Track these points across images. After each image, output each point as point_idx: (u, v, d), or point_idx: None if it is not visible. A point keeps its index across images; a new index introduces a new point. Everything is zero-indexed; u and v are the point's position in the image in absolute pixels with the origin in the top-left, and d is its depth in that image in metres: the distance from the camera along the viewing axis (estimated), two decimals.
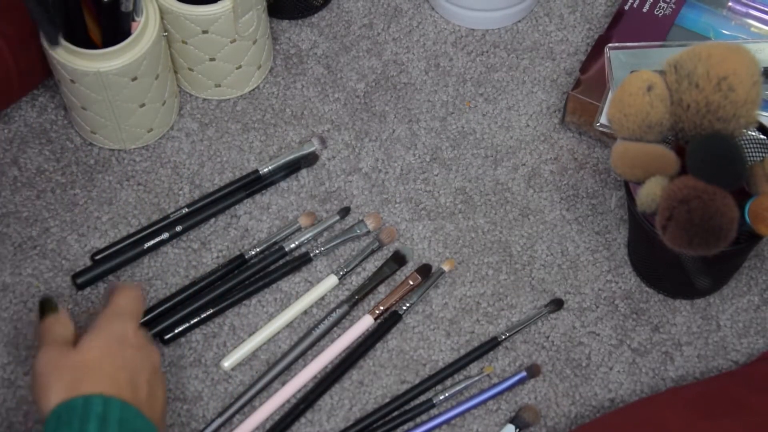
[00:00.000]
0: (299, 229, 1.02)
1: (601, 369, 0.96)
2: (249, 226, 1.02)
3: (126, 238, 1.01)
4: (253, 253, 1.00)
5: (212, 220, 1.02)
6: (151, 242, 1.00)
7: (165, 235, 1.01)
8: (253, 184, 1.03)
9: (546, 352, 0.97)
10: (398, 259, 1.00)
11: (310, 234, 1.01)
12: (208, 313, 0.98)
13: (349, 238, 1.01)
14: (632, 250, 1.00)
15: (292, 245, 1.00)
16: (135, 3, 0.97)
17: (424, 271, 1.00)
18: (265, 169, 1.03)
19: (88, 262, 1.01)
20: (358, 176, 1.05)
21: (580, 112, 1.04)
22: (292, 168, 1.04)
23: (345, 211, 1.03)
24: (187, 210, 1.02)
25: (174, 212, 1.02)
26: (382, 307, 0.98)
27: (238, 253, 1.01)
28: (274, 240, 1.01)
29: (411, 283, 0.99)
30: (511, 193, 1.04)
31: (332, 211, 1.03)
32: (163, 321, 0.98)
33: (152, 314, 0.98)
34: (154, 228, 1.01)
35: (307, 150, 1.05)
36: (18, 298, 0.99)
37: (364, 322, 0.98)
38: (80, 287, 0.99)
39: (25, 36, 1.01)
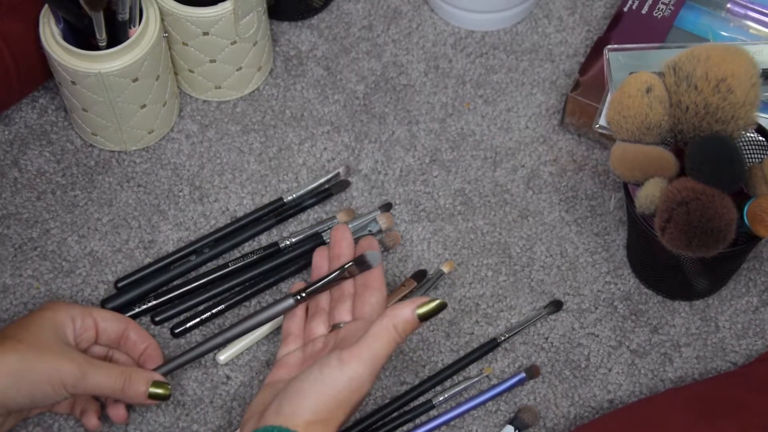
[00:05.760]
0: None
1: (600, 370, 0.97)
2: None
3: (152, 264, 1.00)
4: (288, 242, 1.00)
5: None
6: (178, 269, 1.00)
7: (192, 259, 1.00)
8: (282, 210, 1.02)
9: (545, 353, 0.97)
10: (362, 264, 0.93)
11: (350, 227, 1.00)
12: (220, 308, 0.98)
13: (361, 236, 1.01)
14: (631, 252, 1.00)
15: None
16: (131, 12, 0.97)
17: (420, 276, 0.99)
18: (291, 197, 1.02)
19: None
20: (357, 178, 1.05)
21: (579, 114, 1.04)
22: (322, 194, 1.03)
23: (387, 207, 1.02)
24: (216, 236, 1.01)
25: (201, 240, 1.01)
26: None
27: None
28: (310, 232, 1.00)
29: (405, 288, 0.99)
30: (511, 195, 1.04)
31: (332, 213, 1.03)
32: (174, 314, 0.98)
33: (160, 300, 0.99)
34: (180, 254, 1.00)
35: (333, 175, 1.04)
36: (18, 299, 0.99)
37: None
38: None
39: (25, 37, 1.01)
